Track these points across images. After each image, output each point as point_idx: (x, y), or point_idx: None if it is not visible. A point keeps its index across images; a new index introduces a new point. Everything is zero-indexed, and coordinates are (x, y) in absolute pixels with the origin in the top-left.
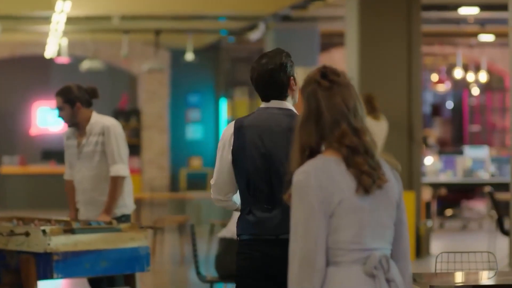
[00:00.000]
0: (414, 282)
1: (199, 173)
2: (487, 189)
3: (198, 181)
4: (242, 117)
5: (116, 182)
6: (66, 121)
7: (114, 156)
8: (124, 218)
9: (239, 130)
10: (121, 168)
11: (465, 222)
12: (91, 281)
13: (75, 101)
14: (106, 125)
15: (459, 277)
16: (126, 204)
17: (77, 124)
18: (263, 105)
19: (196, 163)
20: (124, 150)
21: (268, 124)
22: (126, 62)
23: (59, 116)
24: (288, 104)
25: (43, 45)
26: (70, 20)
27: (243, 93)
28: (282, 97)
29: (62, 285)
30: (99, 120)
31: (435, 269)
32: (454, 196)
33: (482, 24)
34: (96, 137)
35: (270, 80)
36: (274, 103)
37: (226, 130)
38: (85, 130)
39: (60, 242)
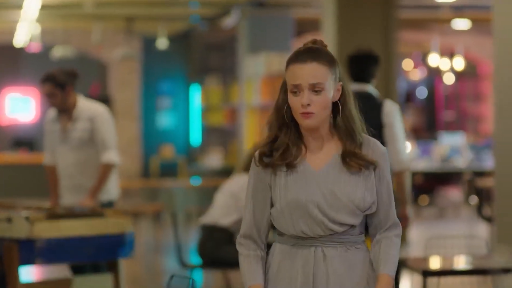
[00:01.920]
0: (405, 266)
1: (171, 161)
2: (467, 176)
3: (170, 169)
4: None
5: (107, 168)
6: (57, 106)
7: (106, 143)
8: (109, 205)
9: None
10: (113, 155)
11: (441, 210)
12: (74, 267)
13: (65, 84)
14: (95, 112)
15: (437, 262)
16: (111, 191)
17: (66, 109)
18: None
19: (167, 151)
20: (114, 136)
21: None
22: (98, 49)
23: (50, 102)
24: None
25: (13, 33)
26: (41, 7)
27: (215, 80)
28: None
29: (43, 271)
30: (87, 106)
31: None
32: (429, 184)
33: (458, 9)
34: (84, 123)
35: None
36: None
37: None
38: (71, 115)
39: (43, 229)
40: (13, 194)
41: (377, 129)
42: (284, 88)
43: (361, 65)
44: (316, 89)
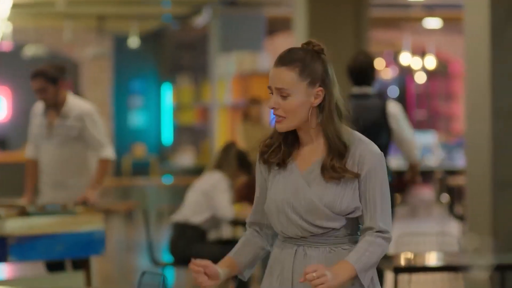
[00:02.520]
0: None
1: (143, 159)
2: (439, 174)
3: (142, 168)
4: None
5: (106, 164)
6: (48, 101)
7: (100, 140)
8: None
9: None
10: (110, 150)
11: (413, 208)
12: (49, 265)
13: (56, 79)
14: (86, 111)
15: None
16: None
17: (56, 104)
18: None
19: (139, 150)
20: (105, 133)
21: None
22: (69, 48)
23: (41, 98)
24: None
25: None
26: (13, 6)
27: (187, 79)
28: None
29: (17, 269)
30: (77, 104)
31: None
32: (400, 183)
33: (429, 8)
34: (72, 121)
35: None
36: None
37: None
38: (60, 111)
39: (15, 226)
40: None
41: (379, 128)
42: None
43: (361, 69)
44: (282, 94)
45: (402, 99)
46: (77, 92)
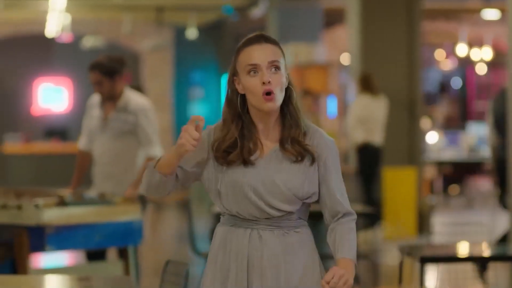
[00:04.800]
0: (405, 252)
1: None
2: (489, 167)
3: None
4: None
5: None
6: (104, 95)
7: (150, 138)
8: (141, 198)
9: None
10: (158, 150)
11: (469, 200)
12: (89, 254)
13: (113, 72)
14: (141, 106)
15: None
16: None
17: (112, 97)
18: None
19: None
20: (157, 131)
21: None
22: (128, 39)
23: (97, 91)
24: None
25: (44, 23)
26: None
27: None
28: None
29: (57, 258)
30: (133, 98)
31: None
32: (459, 173)
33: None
34: (128, 116)
35: None
36: None
37: None
38: (115, 103)
39: (53, 215)
40: (45, 183)
41: None
42: (231, 80)
43: None
44: (274, 65)
45: (462, 90)
46: (137, 83)
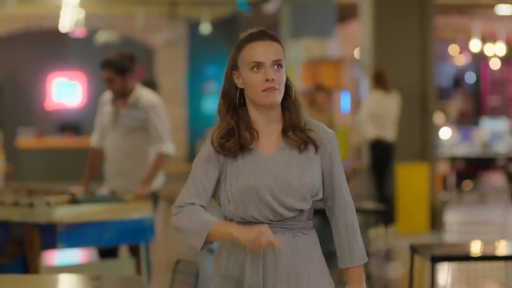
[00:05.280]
0: (416, 251)
1: None
2: (502, 162)
3: None
4: None
5: (162, 159)
6: (116, 92)
7: (161, 134)
8: (153, 195)
9: None
10: (169, 146)
11: (483, 195)
12: (101, 252)
13: (125, 70)
14: (151, 102)
15: (465, 248)
16: (155, 181)
17: (123, 94)
18: None
19: None
20: (168, 128)
21: None
22: (142, 34)
23: (109, 88)
24: None
25: (58, 18)
26: None
27: None
28: None
29: (69, 255)
30: (144, 95)
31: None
32: (472, 169)
33: None
34: (138, 112)
35: None
36: None
37: None
38: (126, 100)
39: (64, 213)
40: (58, 178)
41: None
42: (230, 73)
43: None
44: (278, 64)
45: (476, 85)
46: (151, 78)
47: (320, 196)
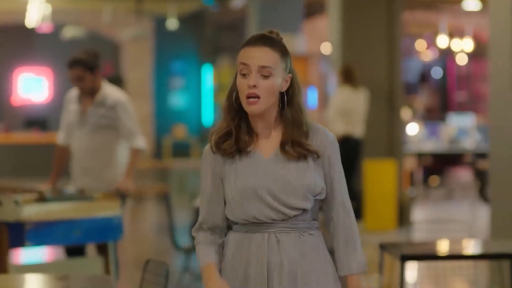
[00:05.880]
0: (385, 250)
1: (183, 141)
2: (469, 158)
3: (182, 149)
4: None
5: (137, 154)
6: (86, 90)
7: (132, 129)
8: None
9: None
10: (141, 141)
11: (450, 191)
12: (69, 250)
13: (94, 67)
14: (119, 101)
15: (434, 247)
16: (119, 178)
17: (91, 92)
18: None
19: (180, 131)
20: (137, 123)
21: None
22: (109, 29)
23: (78, 86)
24: None
25: (25, 13)
26: None
27: (227, 60)
28: None
29: (36, 254)
30: (110, 93)
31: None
32: (439, 165)
33: None
34: (106, 110)
35: None
36: None
37: None
38: (93, 98)
39: (32, 211)
40: (24, 174)
41: None
42: (235, 74)
43: None
44: (264, 73)
45: (443, 80)
46: (118, 73)
47: (323, 195)
